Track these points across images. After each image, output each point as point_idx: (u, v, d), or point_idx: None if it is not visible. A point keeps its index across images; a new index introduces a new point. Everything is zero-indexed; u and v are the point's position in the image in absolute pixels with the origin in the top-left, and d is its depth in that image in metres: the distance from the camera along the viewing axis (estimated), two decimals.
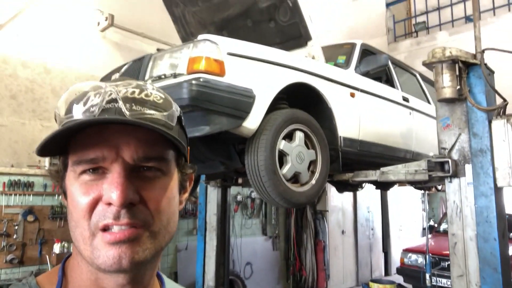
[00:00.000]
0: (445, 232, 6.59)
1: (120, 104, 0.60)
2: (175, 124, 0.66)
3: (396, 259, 8.25)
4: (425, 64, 2.84)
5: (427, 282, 4.93)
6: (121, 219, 0.58)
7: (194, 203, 5.73)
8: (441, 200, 10.71)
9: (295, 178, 2.56)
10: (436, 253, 5.87)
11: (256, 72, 2.46)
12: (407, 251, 6.73)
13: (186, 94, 2.12)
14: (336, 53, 3.65)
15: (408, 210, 10.06)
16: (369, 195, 8.30)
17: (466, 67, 2.73)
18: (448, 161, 2.64)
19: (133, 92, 0.62)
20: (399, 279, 6.76)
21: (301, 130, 2.62)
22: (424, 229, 10.04)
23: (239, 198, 6.55)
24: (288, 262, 7.33)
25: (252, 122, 2.37)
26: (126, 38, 6.35)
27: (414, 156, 3.86)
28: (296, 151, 2.54)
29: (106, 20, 6.06)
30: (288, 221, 7.41)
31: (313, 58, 3.15)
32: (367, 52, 3.74)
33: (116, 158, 0.60)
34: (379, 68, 3.50)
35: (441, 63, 2.73)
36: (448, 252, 3.93)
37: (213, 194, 4.48)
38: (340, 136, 2.98)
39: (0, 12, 4.74)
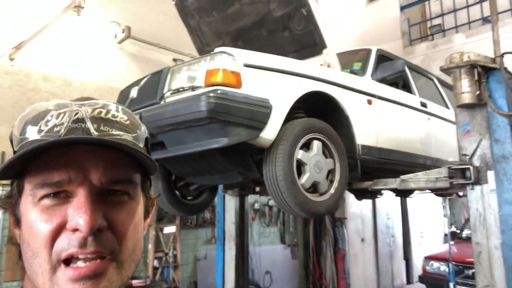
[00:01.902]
0: (468, 239, 6.43)
1: (88, 124, 0.57)
2: (143, 146, 0.63)
3: (418, 267, 8.09)
4: (443, 69, 2.80)
5: None
6: (88, 247, 0.54)
7: (212, 211, 5.76)
8: (462, 206, 10.48)
9: (313, 188, 2.55)
10: (459, 261, 5.74)
11: (272, 83, 2.47)
12: (429, 258, 6.60)
13: (204, 106, 2.14)
14: (352, 60, 3.64)
15: (428, 216, 9.87)
16: (388, 201, 8.17)
17: (485, 72, 2.68)
18: (469, 168, 2.59)
19: (100, 112, 0.60)
20: None
21: (318, 139, 2.62)
22: (445, 235, 9.84)
23: (256, 206, 6.55)
24: (307, 270, 7.26)
25: (269, 133, 2.38)
26: (142, 49, 6.47)
27: (433, 162, 3.80)
28: (314, 161, 2.53)
29: (123, 32, 6.20)
30: (306, 229, 7.34)
31: (329, 66, 3.14)
32: (383, 58, 3.71)
33: (83, 180, 0.56)
34: (396, 74, 3.47)
35: (459, 68, 2.69)
36: (471, 259, 3.83)
37: (231, 203, 4.50)
38: (358, 144, 2.95)
39: (22, 30, 4.89)
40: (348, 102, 2.93)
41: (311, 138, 2.58)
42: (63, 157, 0.56)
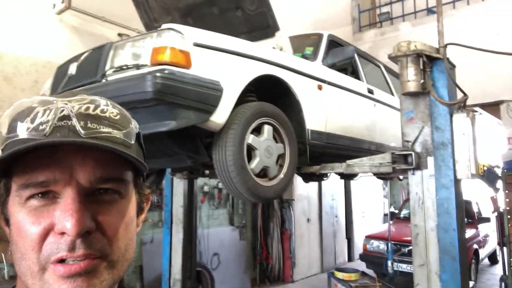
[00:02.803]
0: (405, 219, 6.85)
1: (74, 121, 0.55)
2: (134, 142, 0.61)
3: (359, 245, 8.51)
4: (391, 57, 2.87)
5: (389, 268, 5.11)
6: (77, 251, 0.53)
7: (160, 195, 5.61)
8: (401, 187, 11.12)
9: (263, 173, 2.54)
10: (397, 240, 6.10)
11: (223, 64, 2.39)
12: (369, 237, 6.95)
13: (150, 87, 2.01)
14: (303, 44, 3.63)
15: (370, 197, 10.38)
16: (333, 183, 8.47)
17: (430, 61, 2.78)
18: (411, 154, 2.70)
19: (88, 108, 0.57)
20: (362, 265, 6.99)
21: (269, 123, 2.59)
22: (385, 215, 10.42)
23: (206, 188, 6.48)
24: (255, 251, 7.39)
25: (220, 116, 2.31)
26: (85, 22, 6.03)
27: (378, 148, 3.94)
28: (265, 145, 2.51)
29: (62, 2, 5.72)
30: (255, 211, 7.44)
31: (281, 49, 3.10)
32: (334, 43, 3.75)
33: (69, 180, 0.55)
34: (345, 61, 3.52)
35: (406, 56, 2.76)
36: (408, 238, 4.07)
37: (179, 186, 4.40)
38: (308, 129, 2.97)
39: None
40: (299, 87, 2.93)
41: (262, 123, 2.55)
42: (48, 156, 0.54)
